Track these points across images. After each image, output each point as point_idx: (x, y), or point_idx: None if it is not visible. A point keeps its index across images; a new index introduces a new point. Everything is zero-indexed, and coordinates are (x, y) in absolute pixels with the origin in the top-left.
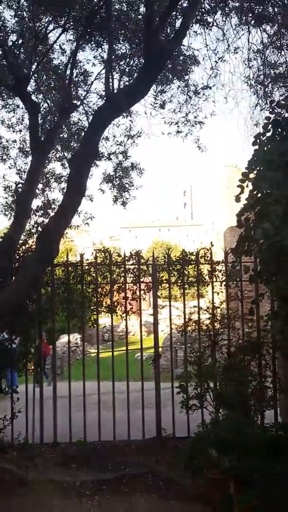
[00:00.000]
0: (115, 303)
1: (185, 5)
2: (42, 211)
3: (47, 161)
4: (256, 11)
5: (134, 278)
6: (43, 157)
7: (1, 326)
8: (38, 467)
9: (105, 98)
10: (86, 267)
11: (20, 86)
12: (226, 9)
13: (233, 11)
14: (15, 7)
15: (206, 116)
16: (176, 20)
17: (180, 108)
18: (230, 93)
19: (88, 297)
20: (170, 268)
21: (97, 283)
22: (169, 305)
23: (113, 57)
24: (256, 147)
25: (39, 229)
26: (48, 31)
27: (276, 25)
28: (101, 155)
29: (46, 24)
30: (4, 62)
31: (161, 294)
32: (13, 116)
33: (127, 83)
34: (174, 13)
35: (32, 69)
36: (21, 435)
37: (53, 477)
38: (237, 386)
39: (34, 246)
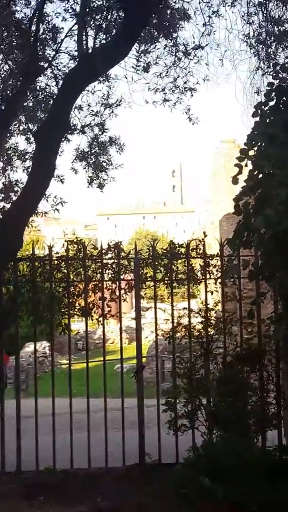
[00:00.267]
0: (91, 305)
1: None
2: (2, 195)
3: (8, 135)
4: None
5: (113, 275)
6: (3, 130)
7: None
8: None
9: (77, 60)
10: (56, 262)
11: None
12: None
13: None
14: None
15: (198, 81)
16: None
17: (167, 72)
18: (227, 55)
19: (58, 298)
20: (156, 263)
21: (69, 281)
22: (154, 307)
23: (87, 10)
24: (257, 118)
25: None
26: None
27: None
28: (73, 127)
29: None
30: None
31: (145, 294)
32: None
33: (104, 41)
34: None
35: None
36: None
37: None
38: (234, 403)
39: None
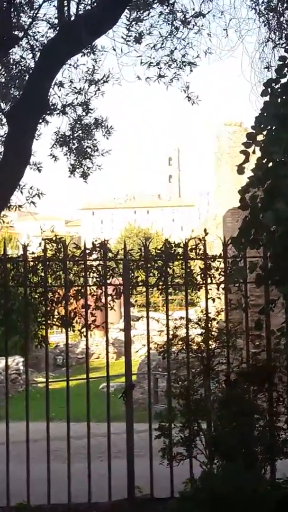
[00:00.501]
0: (72, 314)
1: None
2: None
3: None
4: None
5: (99, 279)
6: None
7: None
8: None
9: (58, 28)
10: (32, 264)
11: None
12: None
13: None
14: None
15: (198, 55)
16: None
17: (162, 44)
18: (232, 24)
19: (34, 305)
20: (149, 265)
21: (47, 286)
22: (146, 316)
23: None
24: (267, 98)
25: None
26: None
27: None
28: (52, 107)
29: None
30: None
31: (136, 301)
32: None
33: (88, 7)
34: None
35: None
36: None
37: None
38: (239, 427)
39: None
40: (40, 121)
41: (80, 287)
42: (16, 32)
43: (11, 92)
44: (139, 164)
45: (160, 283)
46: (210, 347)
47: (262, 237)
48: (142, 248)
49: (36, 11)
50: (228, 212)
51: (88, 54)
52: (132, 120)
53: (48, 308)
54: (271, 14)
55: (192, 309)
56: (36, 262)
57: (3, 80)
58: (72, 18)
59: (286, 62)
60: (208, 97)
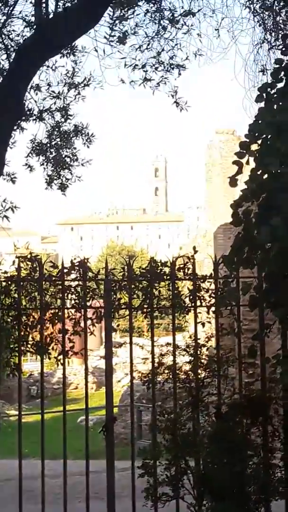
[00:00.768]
0: (48, 339)
1: None
2: None
3: None
4: None
5: (78, 301)
6: None
7: None
8: None
9: (35, 27)
10: (4, 284)
11: None
12: None
13: None
14: None
15: (188, 56)
16: None
17: (148, 44)
18: (224, 23)
19: (7, 329)
20: (133, 285)
21: (20, 308)
22: (129, 342)
23: None
24: (262, 104)
25: None
26: None
27: None
28: (28, 112)
29: None
30: None
31: (118, 325)
32: None
33: (68, 4)
34: None
35: None
36: None
37: None
38: (230, 465)
39: None
40: (15, 127)
41: (57, 310)
42: None
43: None
44: (123, 176)
45: (145, 306)
46: (199, 376)
47: (256, 255)
48: (126, 267)
49: (11, 8)
50: (219, 228)
51: (68, 55)
52: (115, 128)
53: (22, 333)
54: (266, 13)
55: (180, 334)
56: (9, 282)
57: None
58: (51, 16)
59: (282, 65)
60: (198, 103)
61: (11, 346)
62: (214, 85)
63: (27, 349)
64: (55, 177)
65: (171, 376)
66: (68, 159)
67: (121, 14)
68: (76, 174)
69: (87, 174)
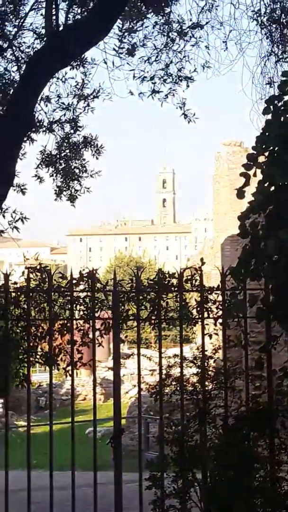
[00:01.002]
0: (57, 350)
1: None
2: None
3: None
4: None
5: (86, 312)
6: None
7: None
8: None
9: (45, 39)
10: (14, 295)
11: None
12: None
13: None
14: None
15: (196, 69)
16: None
17: (157, 57)
18: (232, 36)
19: (16, 340)
20: (140, 297)
21: (30, 319)
22: (137, 353)
23: None
24: (269, 116)
25: None
26: None
27: None
28: (38, 124)
29: None
30: None
31: (126, 337)
32: None
33: (78, 16)
34: None
35: None
36: None
37: None
38: (237, 478)
39: None
40: (25, 139)
41: (65, 321)
42: (0, 42)
43: None
44: (131, 187)
45: (153, 317)
46: (206, 388)
47: (264, 267)
48: (134, 278)
49: (22, 20)
50: (226, 240)
51: (77, 67)
52: (125, 140)
53: (31, 344)
54: (273, 26)
55: (187, 346)
56: (19, 293)
57: None
58: (61, 28)
59: None
60: (207, 115)
61: (20, 357)
62: (222, 97)
63: (36, 360)
64: (64, 188)
65: (178, 388)
66: (77, 170)
67: (130, 26)
68: (85, 186)
69: (96, 185)
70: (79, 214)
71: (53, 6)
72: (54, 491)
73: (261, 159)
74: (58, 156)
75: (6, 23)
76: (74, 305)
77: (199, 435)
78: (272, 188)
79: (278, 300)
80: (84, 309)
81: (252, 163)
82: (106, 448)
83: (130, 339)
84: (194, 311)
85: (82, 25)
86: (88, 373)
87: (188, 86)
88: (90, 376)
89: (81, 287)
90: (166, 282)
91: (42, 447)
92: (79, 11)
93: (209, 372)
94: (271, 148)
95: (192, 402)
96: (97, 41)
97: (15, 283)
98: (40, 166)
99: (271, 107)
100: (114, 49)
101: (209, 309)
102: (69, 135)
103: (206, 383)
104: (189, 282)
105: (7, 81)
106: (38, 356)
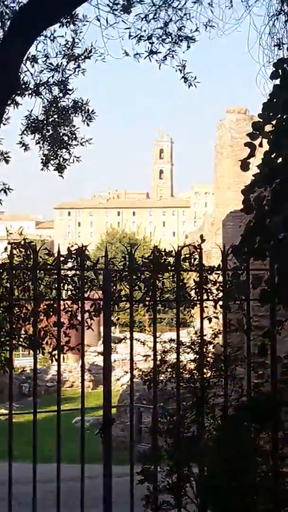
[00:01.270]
0: (42, 333)
1: None
2: None
3: None
4: None
5: (74, 292)
6: None
7: None
8: None
9: None
10: None
11: None
12: None
13: None
14: None
15: (197, 28)
16: None
17: (155, 14)
18: None
19: None
20: (134, 276)
21: (13, 299)
22: (130, 337)
23: None
24: (277, 81)
25: None
26: None
27: None
28: (24, 86)
29: None
30: None
31: (118, 319)
32: None
33: None
34: None
35: None
36: None
37: None
38: (237, 472)
39: None
40: (9, 102)
41: (52, 302)
42: None
43: None
44: (125, 157)
45: (147, 298)
46: (204, 376)
47: (269, 246)
48: (127, 256)
49: None
50: (229, 216)
51: (68, 24)
52: (118, 104)
53: (14, 326)
54: None
55: (185, 330)
56: (1, 271)
57: None
58: None
59: None
60: (209, 78)
61: (2, 339)
62: (226, 59)
63: (19, 343)
64: (52, 157)
65: (174, 375)
66: (66, 138)
67: None
68: (74, 154)
69: (86, 154)
70: (68, 186)
71: None
72: (38, 484)
73: (268, 127)
74: (45, 121)
75: None
76: (62, 284)
77: (196, 426)
78: (280, 159)
79: (283, 282)
80: (72, 288)
81: (257, 132)
82: (95, 439)
83: (122, 322)
84: (192, 293)
85: None
86: (76, 358)
87: (189, 47)
88: (78, 362)
89: (69, 264)
90: (162, 261)
91: (25, 436)
92: None
93: (208, 359)
94: (279, 115)
95: (188, 390)
96: None
97: None
98: (25, 132)
99: (280, 71)
100: (108, 5)
101: (209, 291)
102: (58, 99)
103: (205, 370)
104: (187, 261)
105: None
106: (21, 339)
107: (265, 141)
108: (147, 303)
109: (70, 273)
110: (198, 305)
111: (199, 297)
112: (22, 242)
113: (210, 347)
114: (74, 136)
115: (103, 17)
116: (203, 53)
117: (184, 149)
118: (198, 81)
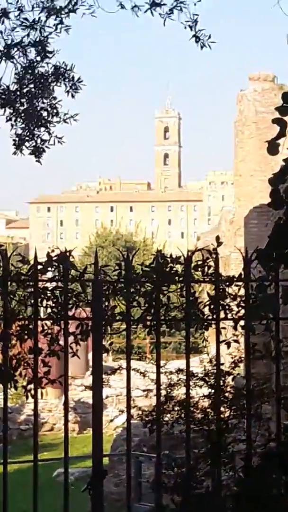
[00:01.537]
0: (14, 361)
1: None
2: None
3: None
4: None
5: (56, 310)
6: None
7: None
8: None
9: None
10: None
11: None
12: None
13: None
14: None
15: None
16: None
17: None
18: None
19: None
20: (132, 289)
21: None
22: (127, 367)
23: None
24: None
25: None
26: None
27: None
28: None
29: None
30: None
31: (111, 344)
32: None
33: None
34: None
35: None
36: None
37: None
38: None
39: None
40: None
41: (27, 322)
42: None
43: None
44: (121, 137)
45: (148, 317)
46: (222, 416)
47: None
48: (122, 263)
49: None
50: (252, 212)
51: None
52: (113, 71)
53: None
54: None
55: (196, 357)
56: None
57: None
58: None
59: None
60: (226, 39)
61: None
62: (248, 15)
63: None
64: (27, 138)
65: (183, 415)
66: (45, 113)
67: None
68: (55, 134)
69: (71, 133)
70: (48, 175)
71: None
72: None
73: None
74: (18, 92)
75: None
76: (39, 300)
77: (210, 480)
78: None
79: None
80: (53, 305)
81: None
82: (82, 497)
83: (117, 348)
84: (206, 310)
85: None
86: (58, 394)
87: None
88: (60, 398)
89: (49, 274)
90: (167, 269)
91: None
92: None
93: (226, 394)
94: None
95: (201, 434)
96: None
97: None
98: None
99: None
100: None
101: (227, 307)
102: (35, 64)
103: (222, 408)
104: (199, 269)
105: None
106: None
107: None
108: (148, 323)
109: (50, 285)
110: (213, 326)
111: (214, 316)
112: None
113: (229, 379)
114: (55, 111)
115: None
116: (224, 7)
117: (195, 127)
118: (213, 40)
